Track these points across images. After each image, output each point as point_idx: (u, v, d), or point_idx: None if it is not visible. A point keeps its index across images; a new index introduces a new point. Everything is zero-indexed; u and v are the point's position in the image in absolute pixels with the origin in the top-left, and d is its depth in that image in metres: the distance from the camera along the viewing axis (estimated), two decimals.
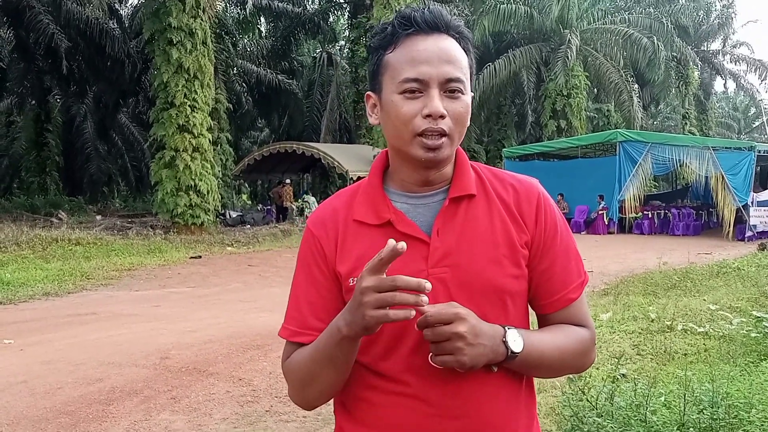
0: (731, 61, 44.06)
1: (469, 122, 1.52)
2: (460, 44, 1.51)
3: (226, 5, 32.87)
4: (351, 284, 1.48)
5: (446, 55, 1.46)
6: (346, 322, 1.36)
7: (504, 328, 1.43)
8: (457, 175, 1.56)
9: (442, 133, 1.45)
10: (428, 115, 1.43)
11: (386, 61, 1.50)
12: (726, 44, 44.61)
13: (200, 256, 17.73)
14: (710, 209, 25.84)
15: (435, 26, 1.48)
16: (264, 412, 5.66)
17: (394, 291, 1.28)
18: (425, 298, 1.29)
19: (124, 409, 5.74)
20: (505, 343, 1.41)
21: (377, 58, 1.52)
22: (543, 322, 1.62)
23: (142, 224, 23.55)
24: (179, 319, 9.71)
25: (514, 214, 1.54)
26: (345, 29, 41.31)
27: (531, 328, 1.56)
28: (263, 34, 39.14)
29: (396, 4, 23.98)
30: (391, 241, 1.28)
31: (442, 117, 1.44)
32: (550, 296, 1.57)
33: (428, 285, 1.29)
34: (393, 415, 1.47)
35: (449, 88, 1.46)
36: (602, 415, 4.43)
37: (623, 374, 5.51)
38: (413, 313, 1.30)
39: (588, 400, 4.59)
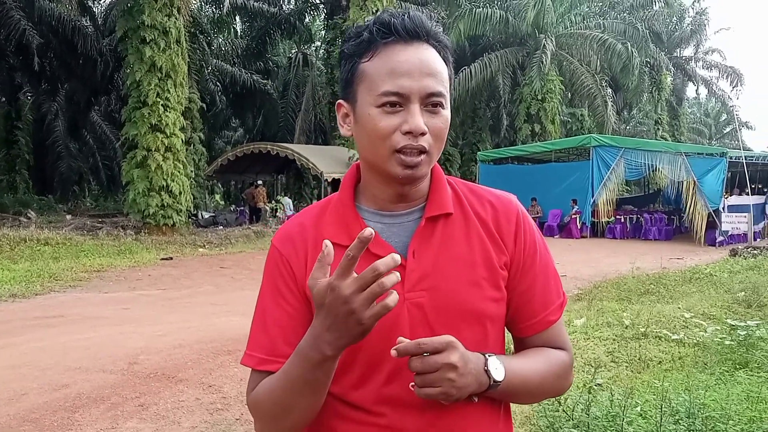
0: (703, 68, 44.60)
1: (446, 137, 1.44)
2: (440, 54, 1.42)
3: (201, 4, 32.65)
4: None
5: (427, 67, 1.37)
6: (328, 341, 1.23)
7: (485, 355, 1.36)
8: (434, 192, 1.47)
9: (422, 151, 1.36)
10: (408, 132, 1.35)
11: (362, 71, 1.40)
12: (698, 51, 45.12)
13: (171, 258, 17.52)
14: (682, 214, 26.07)
15: (415, 35, 1.39)
16: (234, 420, 5.55)
17: (378, 280, 1.17)
18: (396, 276, 1.18)
19: (90, 417, 5.60)
20: (487, 371, 1.34)
21: (351, 65, 1.42)
22: (520, 346, 1.55)
23: (113, 224, 23.24)
24: (149, 322, 9.55)
25: (492, 233, 1.47)
26: (321, 30, 41.17)
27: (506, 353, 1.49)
28: (238, 34, 38.91)
29: (372, 6, 23.95)
30: (364, 232, 1.17)
31: (423, 134, 1.35)
32: (529, 319, 1.50)
33: (397, 257, 1.17)
34: None
35: (430, 102, 1.37)
36: (578, 426, 4.39)
37: (599, 383, 5.47)
38: (396, 297, 1.19)
39: (564, 411, 4.55)
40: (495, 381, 1.34)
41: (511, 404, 1.55)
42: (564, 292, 1.57)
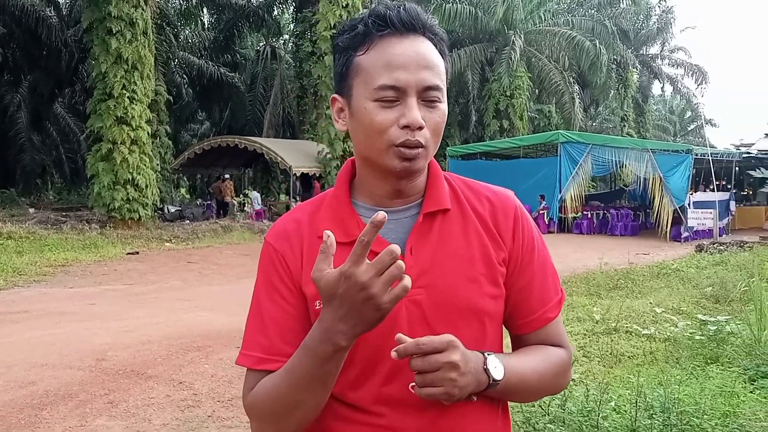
0: (669, 66, 45.20)
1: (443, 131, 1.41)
2: (436, 47, 1.39)
3: None
4: (317, 307, 1.34)
5: (424, 60, 1.35)
6: (342, 331, 1.21)
7: (484, 354, 1.33)
8: (431, 187, 1.45)
9: (419, 145, 1.33)
10: (406, 126, 1.31)
11: (357, 64, 1.36)
12: (664, 49, 45.65)
13: (138, 252, 17.32)
14: (647, 210, 26.39)
15: (411, 27, 1.35)
16: (206, 417, 5.47)
17: (395, 262, 1.16)
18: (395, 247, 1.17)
19: (58, 414, 5.48)
20: (486, 370, 1.31)
21: (346, 59, 1.39)
22: (518, 343, 1.53)
23: (78, 218, 22.90)
24: (116, 317, 9.41)
25: (490, 229, 1.44)
26: (290, 23, 40.89)
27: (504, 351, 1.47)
28: (206, 26, 38.51)
29: (342, 0, 23.84)
30: (378, 215, 1.15)
31: (420, 128, 1.32)
32: (527, 316, 1.48)
33: (396, 247, 1.16)
34: None
35: (427, 96, 1.34)
36: (554, 421, 4.39)
37: (573, 379, 5.48)
38: (408, 281, 1.18)
39: (540, 406, 4.55)
40: (494, 380, 1.32)
41: None
42: (562, 289, 1.55)
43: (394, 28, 1.34)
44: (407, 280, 1.17)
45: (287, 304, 1.39)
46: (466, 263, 1.39)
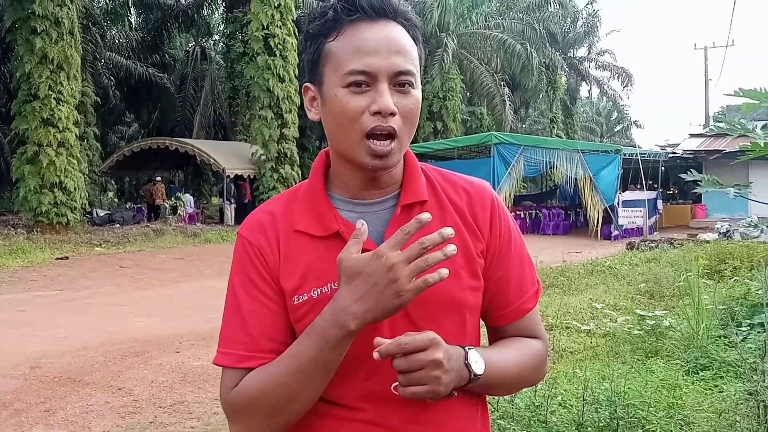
0: (596, 68, 46.12)
1: (418, 120, 1.38)
2: (408, 32, 1.35)
3: None
4: (295, 302, 1.32)
5: (395, 45, 1.31)
6: (355, 314, 1.20)
7: (464, 348, 1.31)
8: (408, 179, 1.42)
9: (391, 133, 1.30)
10: (377, 112, 1.28)
11: (327, 50, 1.33)
12: (591, 51, 46.60)
13: (67, 257, 16.91)
14: (578, 209, 26.92)
15: (382, 12, 1.32)
16: (148, 424, 5.35)
17: (424, 255, 1.19)
18: (452, 247, 1.21)
19: None
20: (467, 365, 1.29)
21: (317, 46, 1.35)
22: (495, 335, 1.51)
23: (2, 223, 22.22)
24: (48, 324, 9.12)
25: (468, 220, 1.42)
26: (220, 23, 40.39)
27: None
28: (133, 26, 37.75)
29: (275, 0, 23.67)
30: (424, 215, 1.21)
31: (392, 114, 1.29)
32: (504, 307, 1.46)
33: (449, 230, 1.21)
34: None
35: (399, 81, 1.30)
36: (504, 417, 4.41)
37: None
38: (446, 272, 1.20)
39: (489, 402, 4.55)
40: (475, 375, 1.30)
41: None
42: (539, 280, 1.54)
43: (364, 13, 1.31)
44: (431, 276, 1.19)
45: (267, 299, 1.35)
46: None
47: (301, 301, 1.32)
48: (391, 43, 1.31)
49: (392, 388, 1.26)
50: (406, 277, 1.18)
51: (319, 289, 1.31)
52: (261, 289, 1.35)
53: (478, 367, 1.30)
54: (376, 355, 1.20)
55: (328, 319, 1.22)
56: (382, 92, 1.28)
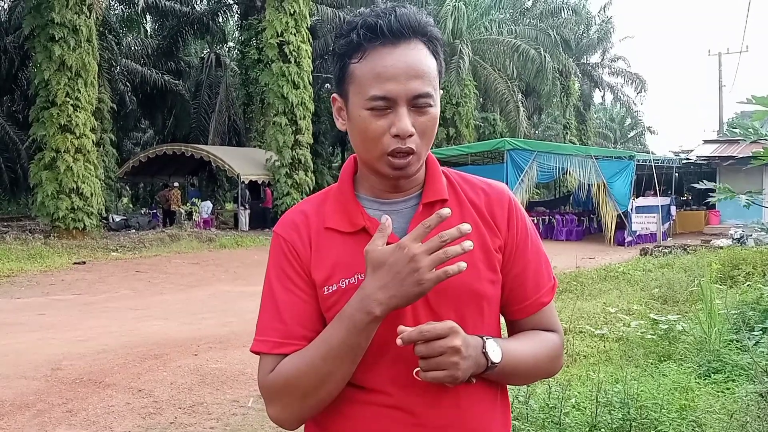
0: (609, 74, 46.08)
1: (437, 128, 1.48)
2: (429, 48, 1.44)
3: (109, 2, 31.73)
4: (325, 293, 1.43)
5: (414, 69, 1.40)
6: (379, 300, 1.32)
7: (483, 338, 1.40)
8: (429, 180, 1.53)
9: (410, 152, 1.41)
10: (396, 135, 1.39)
11: (351, 72, 1.43)
12: (605, 58, 46.58)
13: (84, 262, 17.04)
14: (591, 215, 26.86)
15: (401, 34, 1.41)
16: (168, 424, 5.44)
17: (443, 248, 1.30)
18: (469, 243, 1.31)
19: (16, 424, 5.39)
20: (485, 353, 1.39)
21: (342, 65, 1.45)
22: (513, 328, 1.60)
23: (20, 228, 22.40)
24: (68, 327, 9.25)
25: (486, 218, 1.52)
26: (235, 30, 40.60)
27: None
28: (149, 33, 38.03)
29: (290, 8, 23.80)
30: (444, 210, 1.32)
31: (410, 135, 1.40)
32: (522, 301, 1.56)
33: (467, 226, 1.32)
34: (375, 427, 1.42)
35: (417, 104, 1.41)
36: (518, 418, 4.47)
37: None
38: (465, 265, 1.31)
39: None
40: (492, 363, 1.39)
41: None
42: (554, 276, 1.63)
43: (384, 38, 1.40)
44: (451, 268, 1.30)
45: (300, 291, 1.46)
46: None
47: (330, 291, 1.43)
48: (410, 68, 1.39)
49: (414, 373, 1.35)
50: (426, 267, 1.29)
51: (347, 280, 1.42)
52: (294, 281, 1.47)
53: (495, 355, 1.39)
54: (399, 341, 1.30)
55: (355, 306, 1.34)
56: (401, 116, 1.39)
